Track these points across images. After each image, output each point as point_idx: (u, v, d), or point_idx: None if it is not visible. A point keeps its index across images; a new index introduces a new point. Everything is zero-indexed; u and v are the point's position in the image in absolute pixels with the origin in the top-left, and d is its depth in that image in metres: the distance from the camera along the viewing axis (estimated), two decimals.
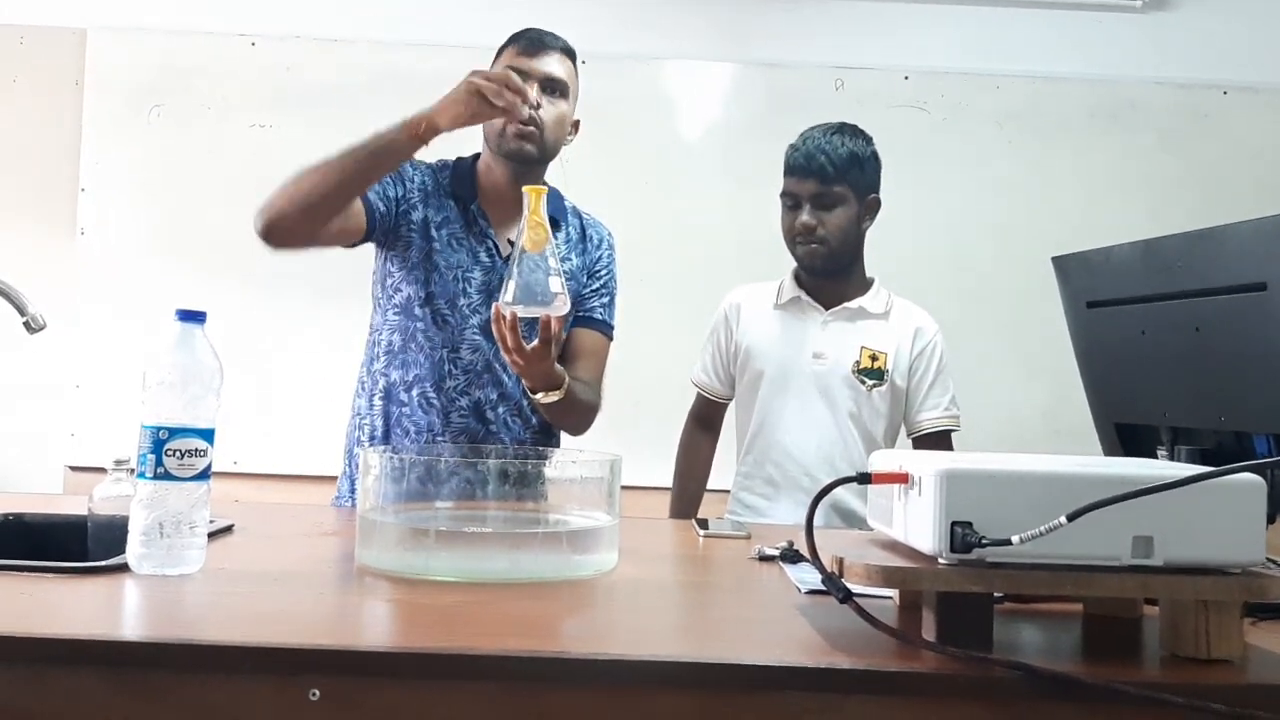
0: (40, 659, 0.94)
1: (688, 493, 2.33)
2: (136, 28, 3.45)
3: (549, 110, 1.92)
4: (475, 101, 1.69)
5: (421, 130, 1.73)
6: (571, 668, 0.94)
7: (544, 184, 1.84)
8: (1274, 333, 1.22)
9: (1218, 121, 3.52)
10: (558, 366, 1.82)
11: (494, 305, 1.69)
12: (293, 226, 1.78)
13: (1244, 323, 1.26)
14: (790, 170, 2.19)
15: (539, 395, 1.84)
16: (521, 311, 1.68)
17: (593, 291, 2.08)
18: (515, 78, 1.72)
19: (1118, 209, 3.41)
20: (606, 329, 2.09)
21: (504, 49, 1.97)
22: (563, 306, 1.69)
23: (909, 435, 2.27)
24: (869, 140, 2.21)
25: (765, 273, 2.34)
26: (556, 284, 1.67)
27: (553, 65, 1.93)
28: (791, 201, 2.19)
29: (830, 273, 2.22)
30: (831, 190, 2.14)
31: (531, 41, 1.94)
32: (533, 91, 1.85)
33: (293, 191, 1.76)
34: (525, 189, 1.67)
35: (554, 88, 1.94)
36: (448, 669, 0.93)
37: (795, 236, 2.18)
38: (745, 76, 3.53)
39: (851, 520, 2.09)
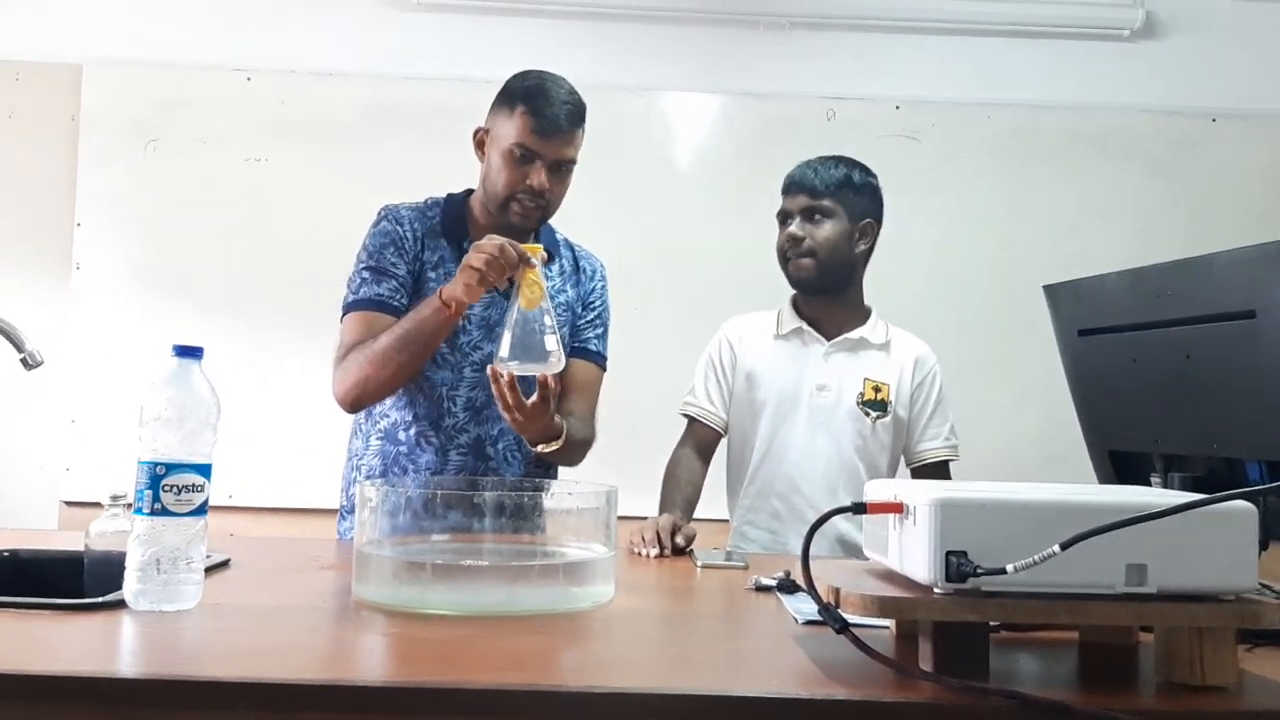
0: (35, 696, 0.93)
1: (681, 494, 2.18)
2: (131, 63, 3.47)
3: (556, 188, 1.92)
4: (480, 277, 1.70)
5: (454, 312, 1.77)
6: (569, 701, 0.94)
7: (538, 243, 1.86)
8: (1263, 360, 1.23)
9: (1206, 149, 3.55)
10: (556, 418, 1.84)
11: (489, 367, 1.73)
12: (370, 405, 1.97)
13: (1234, 350, 1.27)
14: (784, 189, 2.23)
15: (539, 446, 1.88)
16: (517, 369, 1.70)
17: (587, 323, 2.09)
18: (510, 252, 1.69)
19: (1108, 236, 3.44)
20: (600, 360, 2.11)
21: (515, 105, 1.87)
22: (558, 364, 1.70)
23: (908, 465, 2.27)
24: (869, 172, 2.24)
25: (759, 301, 2.35)
26: (552, 342, 1.68)
27: (566, 148, 1.89)
28: (784, 218, 2.22)
29: (821, 290, 2.22)
30: (820, 204, 2.16)
31: (548, 122, 1.85)
32: (541, 175, 1.87)
33: (363, 383, 1.86)
34: (526, 246, 1.72)
35: (564, 167, 1.91)
36: (445, 703, 0.93)
37: (785, 251, 2.20)
38: (738, 107, 3.56)
39: (853, 551, 2.09)
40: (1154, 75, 3.59)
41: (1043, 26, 3.56)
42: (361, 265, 1.95)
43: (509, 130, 1.88)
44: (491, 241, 1.70)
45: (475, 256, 1.70)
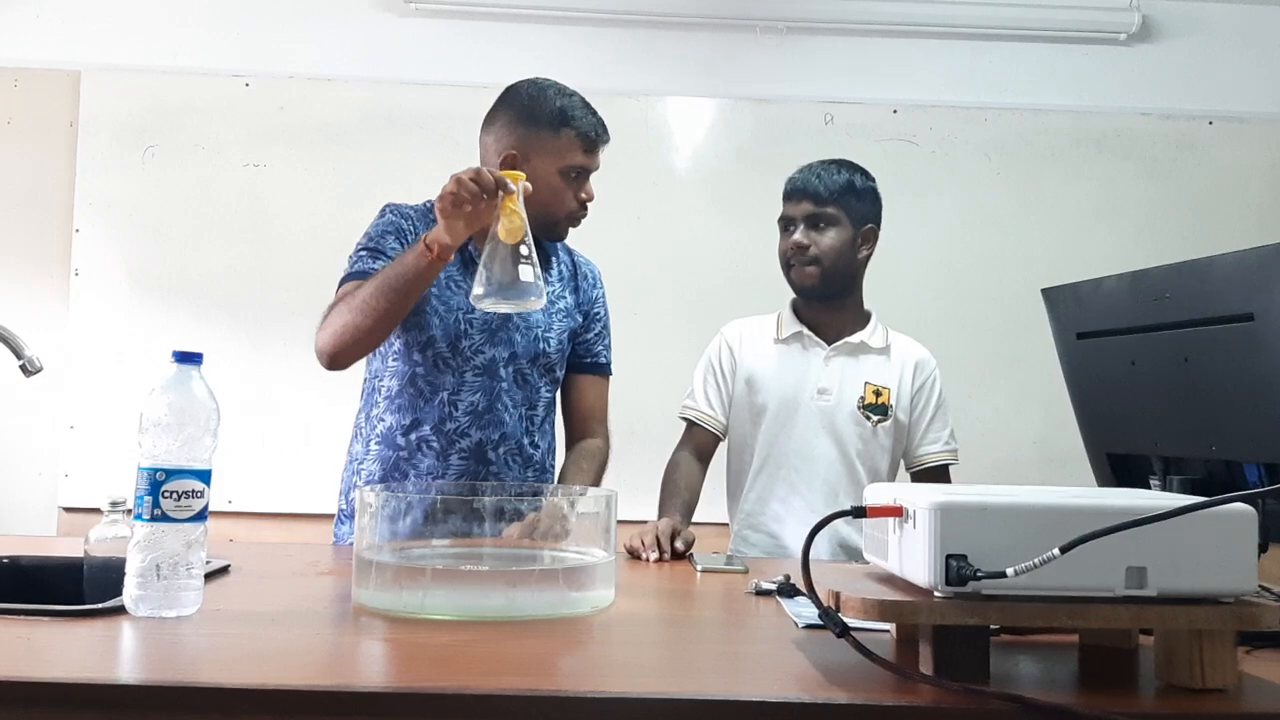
0: (35, 703, 0.93)
1: (680, 498, 2.17)
2: (130, 69, 3.47)
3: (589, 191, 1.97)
4: (457, 209, 1.65)
5: (436, 253, 1.71)
6: (569, 706, 0.94)
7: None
8: (1261, 363, 1.23)
9: (1203, 151, 3.56)
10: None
11: (504, 533, 1.45)
12: (352, 360, 1.88)
13: (1232, 353, 1.28)
14: (786, 195, 2.22)
15: None
16: (492, 305, 1.65)
17: (595, 335, 2.11)
18: (486, 175, 1.65)
19: (1105, 239, 3.45)
20: (608, 370, 2.14)
21: (558, 128, 1.90)
22: (538, 301, 1.64)
23: (908, 469, 2.27)
24: (869, 176, 2.24)
25: (757, 304, 2.36)
26: (530, 273, 1.61)
27: (602, 157, 1.97)
28: (786, 224, 2.22)
29: (825, 296, 2.22)
30: (824, 211, 2.16)
31: (594, 140, 1.93)
32: (590, 188, 1.95)
33: (342, 332, 1.81)
34: (504, 174, 1.66)
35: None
36: (445, 709, 0.93)
37: (789, 258, 2.20)
38: (736, 112, 3.56)
39: (854, 554, 2.09)
40: (1151, 78, 3.59)
41: (1039, 30, 3.57)
42: (360, 247, 1.94)
43: (561, 153, 1.90)
44: (466, 169, 1.66)
45: (450, 184, 1.65)
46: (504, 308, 1.66)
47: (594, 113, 1.95)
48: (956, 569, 0.97)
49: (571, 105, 1.93)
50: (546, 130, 1.90)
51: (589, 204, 1.97)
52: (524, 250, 1.61)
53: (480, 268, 1.63)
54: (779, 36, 3.56)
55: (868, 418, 2.19)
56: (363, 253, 1.93)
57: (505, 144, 1.92)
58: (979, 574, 0.96)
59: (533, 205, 1.72)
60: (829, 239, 2.17)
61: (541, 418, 2.03)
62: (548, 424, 2.06)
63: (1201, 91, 3.59)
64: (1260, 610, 0.98)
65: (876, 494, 1.16)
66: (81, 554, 1.43)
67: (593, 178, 1.97)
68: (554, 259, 2.07)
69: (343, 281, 1.91)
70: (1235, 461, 1.33)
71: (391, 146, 3.44)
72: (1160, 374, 1.41)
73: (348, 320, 1.79)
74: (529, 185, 1.69)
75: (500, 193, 1.64)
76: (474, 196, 1.64)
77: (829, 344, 2.23)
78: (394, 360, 1.97)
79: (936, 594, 0.99)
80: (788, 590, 1.45)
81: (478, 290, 1.62)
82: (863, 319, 2.27)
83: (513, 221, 1.61)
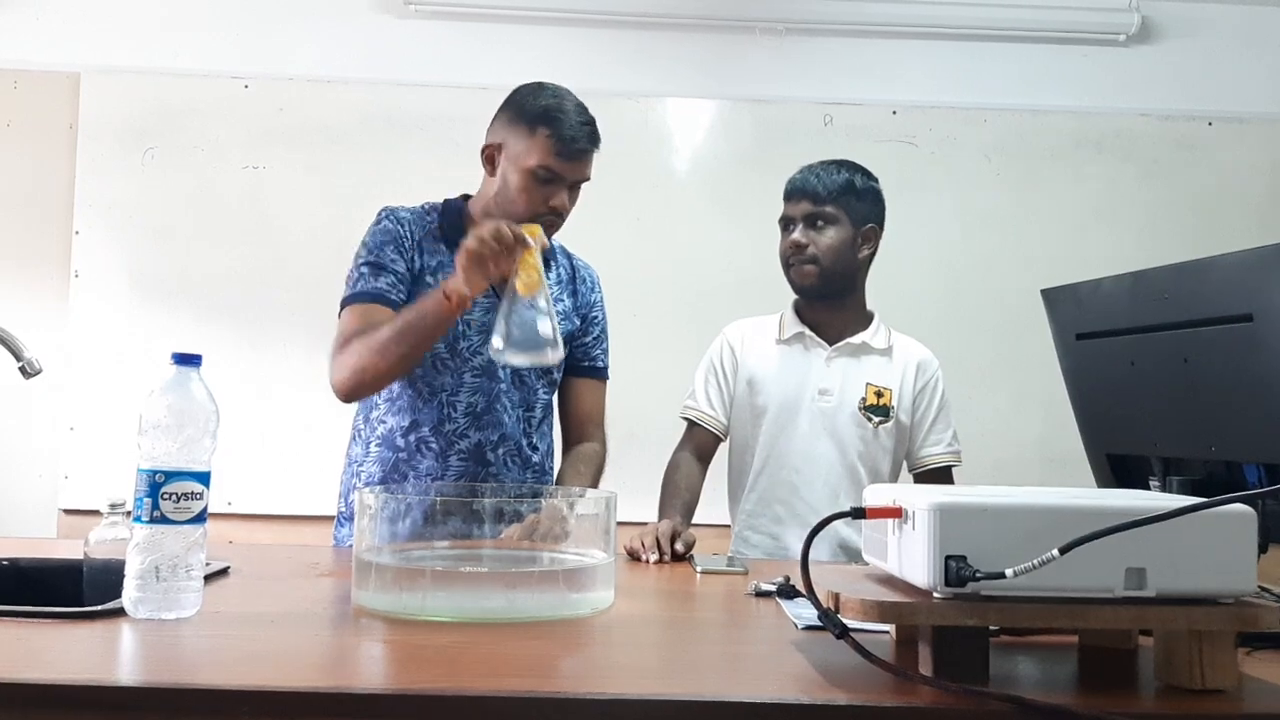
0: (35, 705, 0.93)
1: (680, 499, 2.18)
2: (129, 71, 3.47)
3: (571, 205, 1.94)
4: (479, 266, 1.66)
5: (455, 304, 1.72)
6: (569, 708, 0.94)
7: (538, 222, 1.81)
8: (1261, 363, 1.23)
9: (1203, 152, 3.56)
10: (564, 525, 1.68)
11: (503, 534, 1.45)
12: (367, 396, 1.95)
13: (1231, 354, 1.28)
14: (786, 195, 2.23)
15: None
16: (510, 358, 1.67)
17: (594, 340, 2.11)
18: (505, 232, 1.66)
19: (1105, 239, 3.45)
20: (606, 374, 2.14)
21: (535, 126, 1.87)
22: (555, 356, 1.67)
23: (910, 471, 2.27)
24: (870, 176, 2.24)
25: (757, 305, 2.35)
26: (547, 327, 1.64)
27: (586, 169, 1.92)
28: (786, 224, 2.22)
29: (824, 295, 2.22)
30: (823, 210, 2.16)
31: (573, 146, 1.87)
32: (563, 197, 1.89)
33: (361, 373, 1.83)
34: (523, 227, 1.68)
35: (580, 184, 1.93)
36: (446, 711, 0.93)
37: (788, 257, 2.20)
38: (735, 113, 3.56)
39: (855, 555, 2.09)
40: (1150, 79, 3.59)
41: (1039, 31, 3.57)
42: (360, 261, 1.94)
43: (531, 152, 1.87)
44: (487, 225, 1.67)
45: (471, 240, 1.67)
46: (520, 360, 1.69)
47: (586, 122, 1.89)
48: (956, 570, 0.97)
49: (558, 108, 1.89)
50: (524, 127, 1.89)
51: (563, 214, 1.92)
52: (541, 303, 1.65)
53: (499, 320, 1.66)
54: (778, 38, 3.56)
55: (869, 419, 2.19)
56: (364, 268, 1.92)
57: (492, 138, 1.94)
58: (978, 575, 0.96)
59: (497, 202, 1.89)
60: (827, 238, 2.17)
61: (539, 419, 2.04)
62: (546, 425, 2.07)
63: (1201, 92, 3.59)
64: (1260, 611, 0.98)
65: (876, 495, 1.15)
66: (81, 556, 1.43)
67: (592, 179, 1.96)
68: (553, 262, 2.07)
69: (346, 301, 1.91)
70: (1235, 462, 1.33)
71: (391, 148, 3.44)
72: (1160, 374, 1.41)
73: (367, 363, 1.81)
74: (545, 240, 1.71)
75: (519, 247, 1.66)
76: (494, 254, 1.66)
77: (831, 344, 2.23)
78: None
79: (936, 595, 0.99)
80: (787, 591, 1.44)
81: (496, 344, 1.66)
82: (865, 319, 2.27)
83: (530, 275, 1.65)
